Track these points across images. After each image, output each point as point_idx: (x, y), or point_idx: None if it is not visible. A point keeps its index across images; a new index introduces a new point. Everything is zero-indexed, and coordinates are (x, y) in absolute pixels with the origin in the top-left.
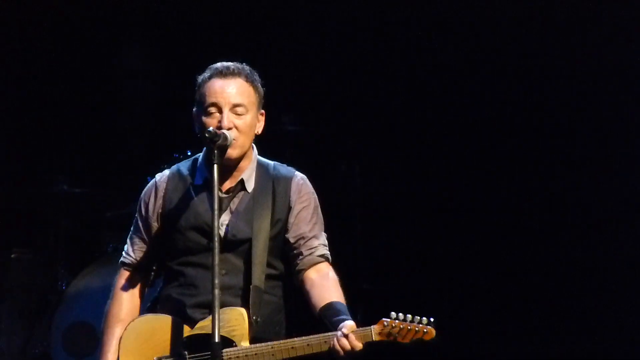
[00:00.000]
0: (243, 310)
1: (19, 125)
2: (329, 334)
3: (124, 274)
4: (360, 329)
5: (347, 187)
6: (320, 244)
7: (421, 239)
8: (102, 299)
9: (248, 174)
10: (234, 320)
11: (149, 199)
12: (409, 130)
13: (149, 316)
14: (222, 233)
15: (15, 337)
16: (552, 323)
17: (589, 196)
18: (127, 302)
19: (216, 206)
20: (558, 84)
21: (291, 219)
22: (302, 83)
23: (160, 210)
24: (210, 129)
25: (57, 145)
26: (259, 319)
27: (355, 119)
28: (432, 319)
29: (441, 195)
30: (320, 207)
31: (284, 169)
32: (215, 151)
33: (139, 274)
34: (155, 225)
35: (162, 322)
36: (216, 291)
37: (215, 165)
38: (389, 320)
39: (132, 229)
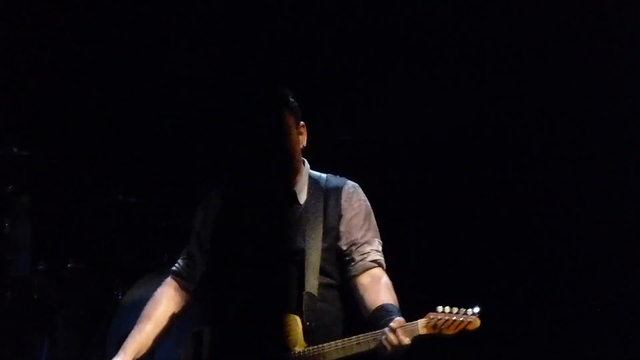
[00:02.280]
0: (296, 316)
1: (73, 135)
2: (378, 331)
3: (171, 282)
4: (408, 323)
5: (401, 196)
6: (372, 249)
7: (480, 248)
8: None
9: (299, 187)
10: (287, 326)
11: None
12: (466, 137)
13: None
14: (276, 243)
15: (71, 347)
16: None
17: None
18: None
19: None
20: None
21: (342, 227)
22: (353, 91)
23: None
24: None
25: (113, 155)
26: (313, 324)
27: (409, 127)
28: (476, 309)
29: (502, 203)
30: (375, 216)
31: (335, 179)
32: None
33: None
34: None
35: None
36: None
37: None
38: (435, 313)
39: None
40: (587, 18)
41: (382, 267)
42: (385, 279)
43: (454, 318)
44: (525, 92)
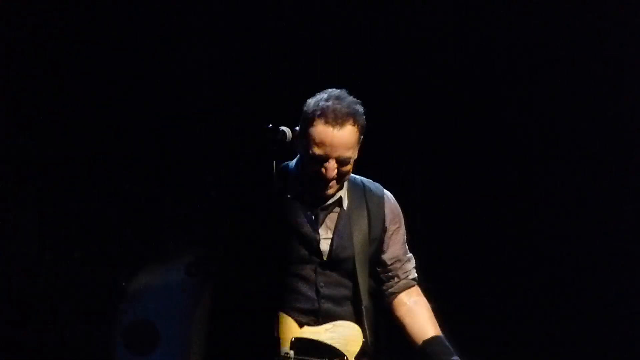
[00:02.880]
0: (360, 330)
1: (80, 124)
2: None
3: None
4: None
5: (407, 190)
6: (413, 267)
7: (486, 243)
8: (163, 296)
9: (343, 192)
10: (351, 337)
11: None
12: (474, 131)
13: None
14: (325, 249)
15: (77, 334)
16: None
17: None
18: None
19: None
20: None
21: (386, 240)
22: (359, 81)
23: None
24: (270, 125)
25: (119, 143)
26: (371, 339)
27: (415, 119)
28: None
29: (506, 198)
30: None
31: (373, 186)
32: (275, 147)
33: None
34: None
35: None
36: None
37: (274, 162)
38: None
39: None
40: (587, 18)
41: (417, 283)
42: (424, 300)
43: None
44: (526, 90)
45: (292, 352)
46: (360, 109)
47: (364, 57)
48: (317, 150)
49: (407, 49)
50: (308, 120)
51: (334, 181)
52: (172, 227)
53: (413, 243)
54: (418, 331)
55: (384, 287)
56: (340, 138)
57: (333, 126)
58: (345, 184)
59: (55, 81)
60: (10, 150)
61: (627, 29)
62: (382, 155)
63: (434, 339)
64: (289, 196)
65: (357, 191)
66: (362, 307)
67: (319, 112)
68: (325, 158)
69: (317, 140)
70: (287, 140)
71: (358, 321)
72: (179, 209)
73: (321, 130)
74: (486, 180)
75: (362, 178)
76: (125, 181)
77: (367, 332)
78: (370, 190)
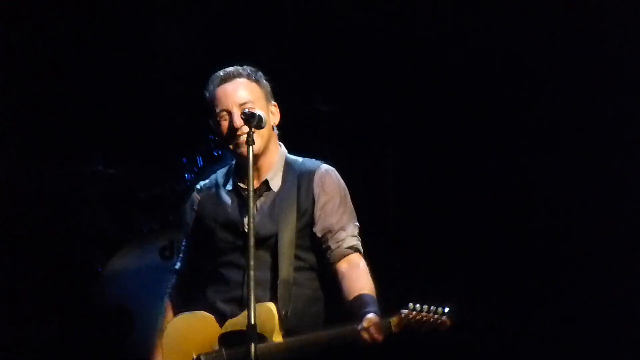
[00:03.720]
0: (272, 305)
1: (54, 104)
2: (349, 328)
3: (173, 281)
4: (380, 321)
5: (379, 168)
6: (348, 235)
7: (485, 243)
8: (138, 280)
9: (273, 173)
10: (263, 315)
11: (187, 209)
12: (447, 111)
13: (186, 314)
14: (246, 230)
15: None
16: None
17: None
18: (177, 308)
19: (251, 203)
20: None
21: (317, 212)
22: (334, 60)
23: (195, 216)
24: (246, 110)
25: (93, 125)
26: (289, 313)
27: (389, 98)
28: (446, 309)
29: (478, 179)
30: (352, 188)
31: (310, 162)
32: (252, 133)
33: (186, 279)
34: (193, 232)
35: (199, 319)
36: (251, 282)
37: (251, 147)
38: (406, 311)
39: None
40: (587, 18)
41: (359, 252)
42: (362, 265)
43: (424, 318)
44: (526, 90)
45: (223, 349)
46: (259, 74)
47: (364, 57)
48: (219, 107)
49: (407, 49)
50: (209, 98)
51: (251, 137)
52: (145, 210)
53: (413, 243)
54: (348, 293)
55: (324, 260)
56: (235, 88)
57: (225, 82)
58: (281, 167)
59: (30, 61)
60: None
61: (627, 29)
62: (382, 155)
63: (357, 296)
64: (226, 188)
65: (291, 171)
66: (278, 281)
67: (212, 84)
68: (228, 110)
69: (216, 101)
70: (262, 125)
71: (273, 296)
72: (153, 191)
73: (217, 91)
74: (486, 180)
75: (305, 158)
76: (99, 162)
77: (282, 304)
78: (304, 167)
